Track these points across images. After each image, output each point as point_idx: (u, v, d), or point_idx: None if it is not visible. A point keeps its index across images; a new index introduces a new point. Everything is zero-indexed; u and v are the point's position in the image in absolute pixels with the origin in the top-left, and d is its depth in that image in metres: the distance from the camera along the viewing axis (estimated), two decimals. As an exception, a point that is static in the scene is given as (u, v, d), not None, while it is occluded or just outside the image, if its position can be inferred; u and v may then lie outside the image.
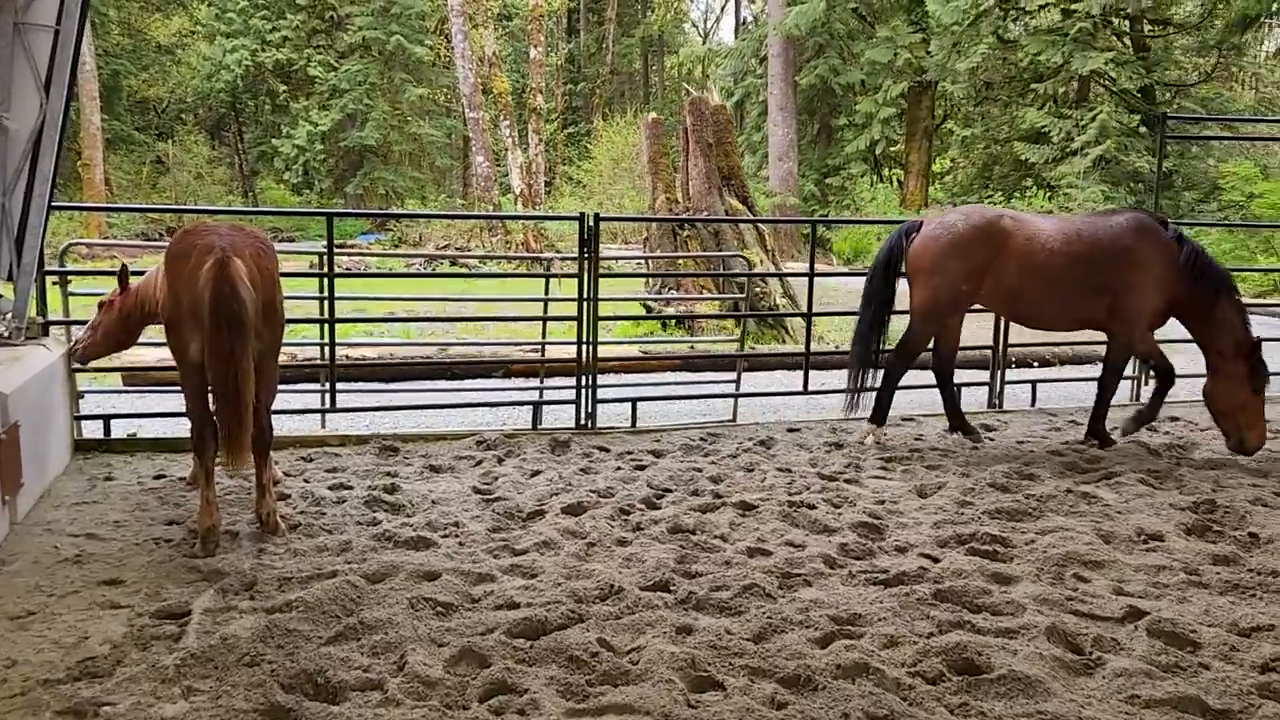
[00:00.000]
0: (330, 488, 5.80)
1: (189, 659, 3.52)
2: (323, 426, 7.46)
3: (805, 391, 7.95)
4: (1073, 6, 25.35)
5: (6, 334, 5.83)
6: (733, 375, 8.42)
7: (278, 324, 5.04)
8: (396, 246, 30.65)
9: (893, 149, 32.72)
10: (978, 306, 7.10)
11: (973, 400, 8.58)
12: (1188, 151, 26.60)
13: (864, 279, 7.15)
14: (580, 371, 7.33)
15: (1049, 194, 26.91)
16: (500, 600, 4.18)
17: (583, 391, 7.34)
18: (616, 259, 15.77)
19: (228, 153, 44.52)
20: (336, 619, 3.95)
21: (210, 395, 4.74)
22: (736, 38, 48.38)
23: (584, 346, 7.28)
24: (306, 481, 5.94)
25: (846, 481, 6.16)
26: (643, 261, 12.81)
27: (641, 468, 6.46)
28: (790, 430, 7.49)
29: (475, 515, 5.36)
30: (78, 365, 5.91)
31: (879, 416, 7.14)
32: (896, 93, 29.38)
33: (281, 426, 6.88)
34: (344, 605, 4.06)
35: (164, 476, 6.01)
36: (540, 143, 26.53)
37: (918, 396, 8.99)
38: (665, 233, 13.02)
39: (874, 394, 7.13)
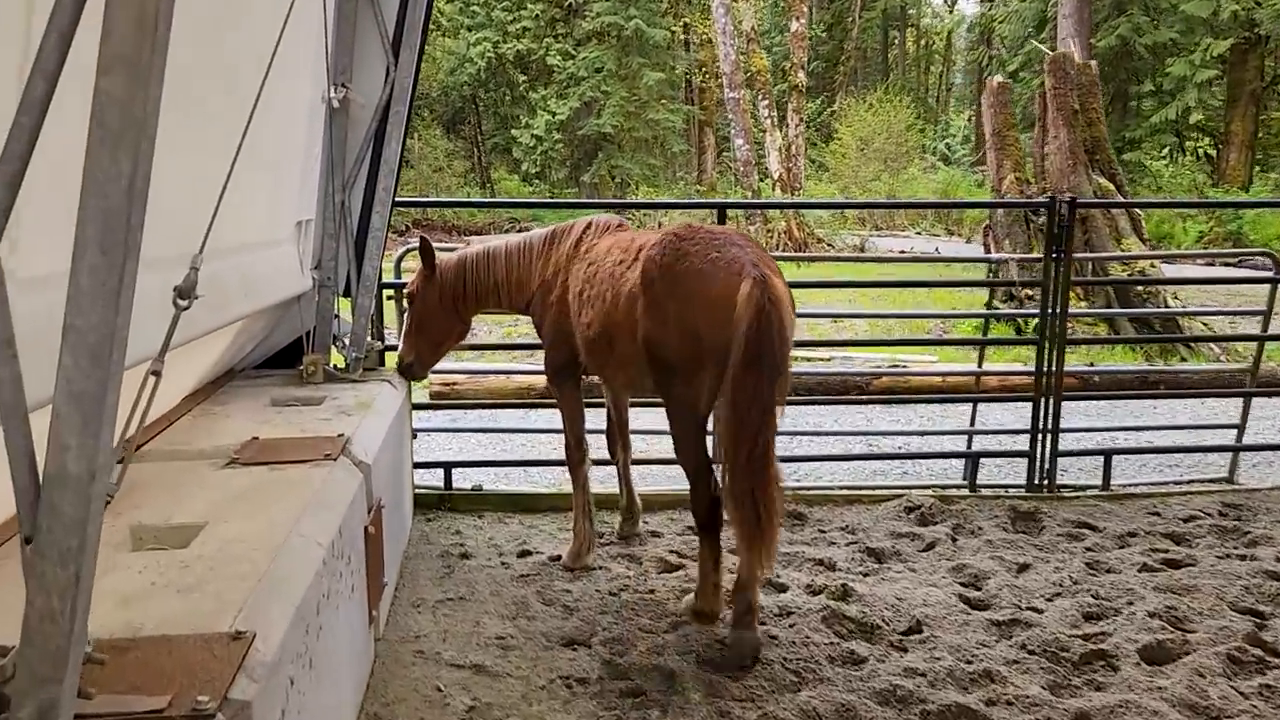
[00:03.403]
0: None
1: None
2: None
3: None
4: None
5: (346, 366, 4.60)
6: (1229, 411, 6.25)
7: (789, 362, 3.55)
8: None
9: (1199, 118, 28.07)
10: None
11: None
12: None
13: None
14: (1037, 406, 5.41)
15: None
16: None
17: (1040, 438, 5.41)
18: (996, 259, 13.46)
19: (464, 145, 45.10)
20: None
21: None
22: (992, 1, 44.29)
23: (1045, 378, 5.37)
24: (716, 570, 4.37)
25: None
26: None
27: (1175, 564, 4.49)
28: (1347, 504, 5.26)
29: (1004, 655, 3.58)
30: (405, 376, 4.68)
31: None
32: (1218, 52, 25.05)
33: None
34: None
35: (529, 553, 4.61)
36: (800, 122, 24.49)
37: None
38: (1016, 220, 10.77)
39: None
